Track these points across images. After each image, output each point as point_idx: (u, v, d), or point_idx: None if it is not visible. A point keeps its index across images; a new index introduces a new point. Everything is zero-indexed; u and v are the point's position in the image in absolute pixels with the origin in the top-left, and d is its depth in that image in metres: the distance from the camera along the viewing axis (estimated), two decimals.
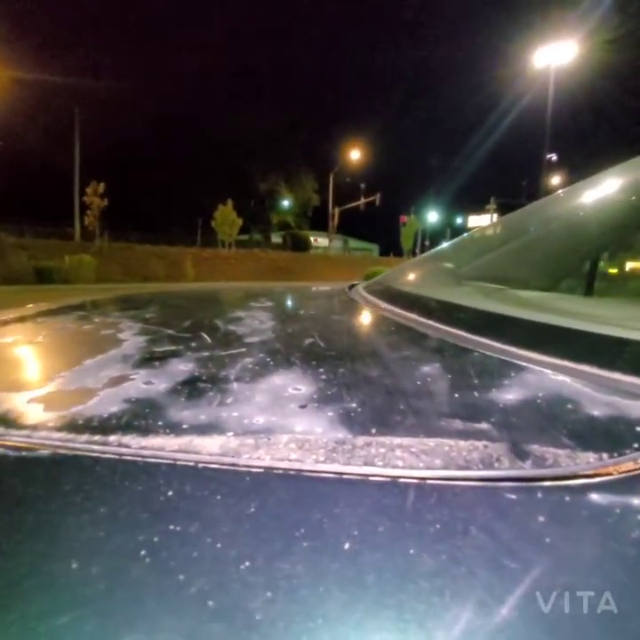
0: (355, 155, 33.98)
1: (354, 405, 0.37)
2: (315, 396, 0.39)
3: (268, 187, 37.30)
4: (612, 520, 0.23)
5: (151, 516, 0.25)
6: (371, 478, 0.27)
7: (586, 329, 0.46)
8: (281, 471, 0.28)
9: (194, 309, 1.05)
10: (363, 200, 33.15)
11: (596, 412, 0.33)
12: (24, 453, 0.32)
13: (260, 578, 0.22)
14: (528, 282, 1.11)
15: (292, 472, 0.28)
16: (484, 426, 0.32)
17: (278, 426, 0.34)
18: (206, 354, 0.55)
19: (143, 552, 0.23)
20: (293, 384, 0.43)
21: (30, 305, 1.11)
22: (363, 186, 34.82)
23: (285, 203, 39.16)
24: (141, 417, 0.36)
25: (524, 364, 0.45)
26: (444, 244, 1.74)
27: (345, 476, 0.27)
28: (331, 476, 0.27)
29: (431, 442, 0.30)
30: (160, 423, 0.35)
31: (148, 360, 0.52)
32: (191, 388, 0.42)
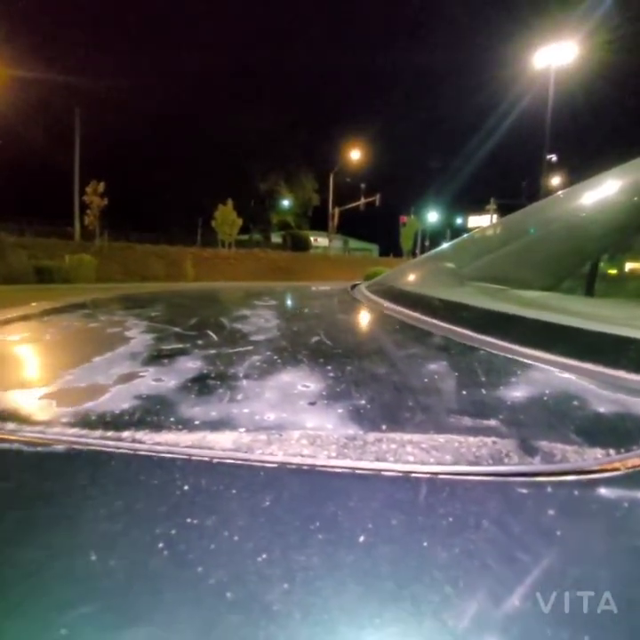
0: (355, 155, 34.01)
1: (363, 402, 0.38)
2: (324, 393, 0.40)
3: (267, 186, 37.31)
4: (619, 514, 0.24)
5: (168, 509, 0.26)
6: (383, 473, 0.27)
7: (590, 328, 0.46)
8: (294, 466, 0.28)
9: (199, 308, 1.06)
10: (363, 200, 33.17)
11: (602, 409, 0.34)
12: (39, 449, 0.32)
13: (276, 570, 0.22)
14: (530, 282, 1.12)
15: (305, 467, 0.28)
16: (492, 422, 0.33)
17: (289, 422, 0.34)
18: (214, 351, 0.55)
19: (161, 545, 0.23)
20: (302, 381, 0.43)
21: (34, 303, 1.12)
22: (363, 186, 34.87)
23: (285, 202, 39.17)
24: (154, 413, 0.37)
25: (529, 362, 0.45)
26: (446, 245, 1.75)
27: (358, 471, 0.28)
28: (344, 470, 0.28)
29: (441, 438, 0.31)
30: (172, 419, 0.35)
31: (157, 357, 0.53)
32: (201, 385, 0.43)
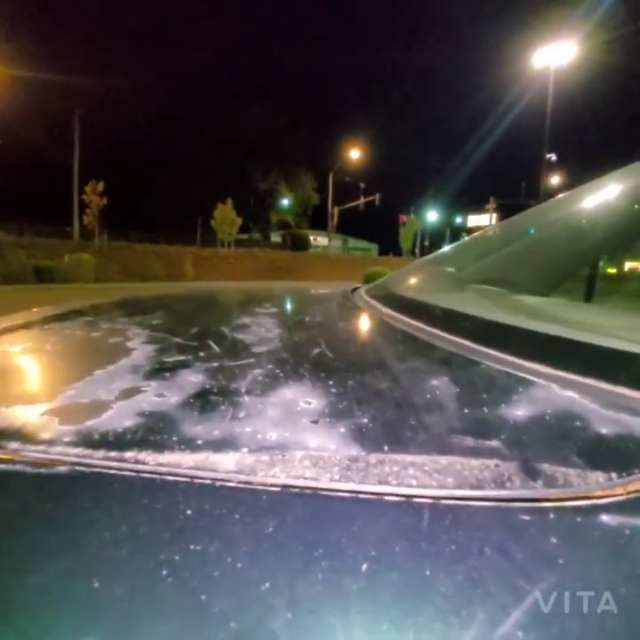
0: (354, 154, 34.00)
1: (365, 421, 0.38)
2: (326, 411, 0.40)
3: (267, 186, 37.30)
4: (621, 541, 0.24)
5: (171, 534, 0.26)
6: (386, 497, 0.28)
7: (592, 341, 0.47)
8: (298, 490, 0.29)
9: (199, 315, 1.06)
10: (362, 199, 33.16)
11: (603, 430, 0.34)
12: (42, 470, 0.32)
13: (280, 598, 0.22)
14: (532, 286, 1.12)
15: (308, 491, 0.28)
16: (494, 443, 0.33)
17: (291, 442, 0.35)
18: (215, 364, 0.55)
19: (165, 572, 0.24)
20: (304, 397, 0.43)
21: (35, 309, 1.12)
22: (362, 185, 34.86)
23: (285, 202, 39.17)
24: (156, 432, 0.37)
25: (531, 377, 0.45)
26: (448, 248, 1.74)
27: (361, 496, 0.28)
28: (347, 494, 0.28)
29: (443, 460, 0.31)
30: (175, 439, 0.35)
31: (158, 371, 0.53)
32: (203, 401, 0.43)
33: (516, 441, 0.33)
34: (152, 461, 0.32)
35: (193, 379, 0.50)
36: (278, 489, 0.29)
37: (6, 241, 15.40)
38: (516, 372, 0.47)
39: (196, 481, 0.30)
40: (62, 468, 0.32)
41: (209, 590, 0.23)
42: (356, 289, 1.38)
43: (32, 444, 0.35)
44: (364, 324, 0.93)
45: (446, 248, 1.82)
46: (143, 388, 0.47)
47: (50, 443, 0.35)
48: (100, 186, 20.54)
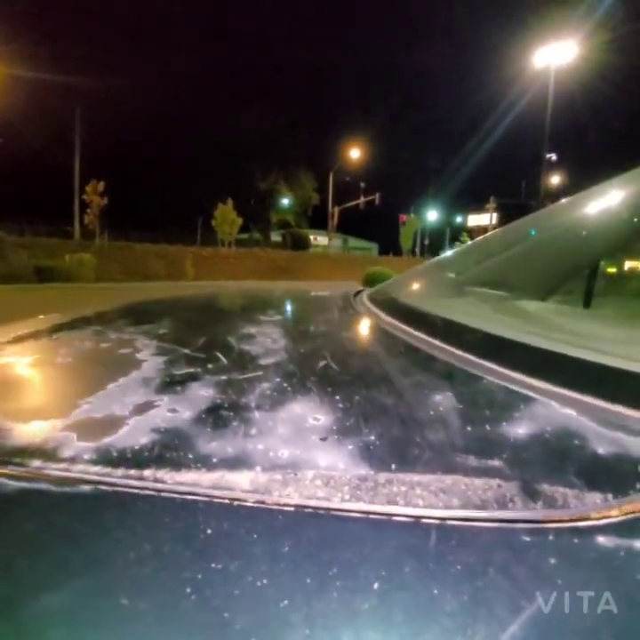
0: (354, 154, 34.02)
1: (372, 438, 0.39)
2: (334, 428, 0.42)
3: (267, 186, 37.29)
4: (617, 563, 0.26)
5: (192, 553, 0.27)
6: (394, 518, 0.29)
7: (591, 359, 0.48)
8: (311, 510, 0.30)
9: (204, 324, 1.07)
10: (362, 199, 33.19)
11: (601, 450, 0.35)
12: (65, 488, 0.34)
13: (298, 615, 0.24)
14: (534, 291, 1.13)
15: (321, 511, 0.30)
16: (496, 462, 0.34)
17: (303, 460, 0.36)
18: (223, 377, 0.57)
19: (188, 589, 0.25)
20: (312, 413, 0.45)
21: (41, 316, 1.13)
22: (362, 185, 34.90)
23: (285, 201, 39.16)
24: (172, 449, 0.38)
25: (531, 394, 0.47)
26: (450, 252, 1.76)
27: (371, 516, 0.29)
28: (357, 515, 0.30)
29: (448, 479, 0.32)
30: (191, 456, 0.37)
31: (168, 384, 0.54)
32: (214, 417, 0.44)
33: (516, 460, 0.35)
34: (170, 480, 0.34)
35: (203, 393, 0.51)
36: (292, 509, 0.30)
37: (8, 240, 15.43)
38: (516, 388, 0.49)
39: (215, 500, 0.31)
40: (85, 487, 0.33)
41: (229, 608, 0.24)
42: (358, 293, 1.39)
43: (53, 462, 0.37)
44: (368, 334, 0.95)
45: (448, 252, 1.84)
46: (156, 403, 0.48)
47: (71, 461, 0.37)
48: (101, 186, 20.57)
